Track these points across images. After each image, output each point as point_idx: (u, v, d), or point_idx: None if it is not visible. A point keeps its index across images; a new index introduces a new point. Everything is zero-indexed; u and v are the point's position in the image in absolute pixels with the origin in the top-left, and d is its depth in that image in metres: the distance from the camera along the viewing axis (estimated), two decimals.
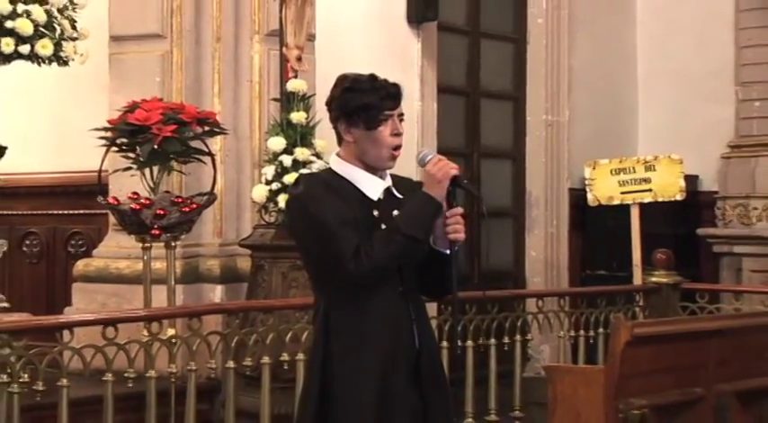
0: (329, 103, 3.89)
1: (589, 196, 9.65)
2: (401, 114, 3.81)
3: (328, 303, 3.79)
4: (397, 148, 3.78)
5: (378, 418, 3.69)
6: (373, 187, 3.79)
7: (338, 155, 3.86)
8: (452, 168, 3.71)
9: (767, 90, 10.42)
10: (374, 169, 3.82)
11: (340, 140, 3.88)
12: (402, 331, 3.76)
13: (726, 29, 10.70)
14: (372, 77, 3.82)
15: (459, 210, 3.76)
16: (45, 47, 7.32)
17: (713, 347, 6.91)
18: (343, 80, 3.87)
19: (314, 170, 6.49)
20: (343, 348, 3.72)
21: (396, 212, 3.72)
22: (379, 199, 3.79)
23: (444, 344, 6.82)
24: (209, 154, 6.65)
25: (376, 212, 3.75)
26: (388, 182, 3.85)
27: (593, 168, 9.66)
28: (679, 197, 9.51)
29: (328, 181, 3.81)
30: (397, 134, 3.77)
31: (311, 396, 3.77)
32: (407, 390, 3.75)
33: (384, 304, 3.74)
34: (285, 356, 5.91)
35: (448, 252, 3.79)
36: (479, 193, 3.75)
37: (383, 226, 3.71)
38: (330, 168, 3.89)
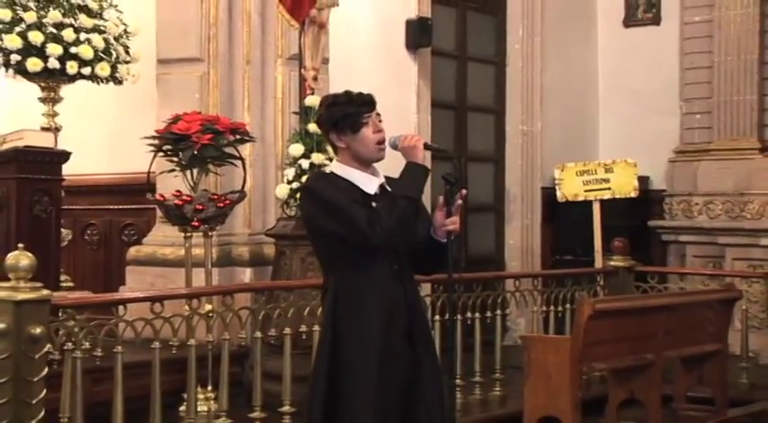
0: (318, 121, 3.96)
1: (558, 193, 9.68)
2: (378, 114, 3.83)
3: (337, 278, 3.81)
4: (381, 141, 3.81)
5: (379, 366, 3.72)
6: (369, 184, 3.80)
7: (337, 161, 3.88)
8: (419, 138, 3.80)
9: (707, 105, 10.41)
10: (368, 166, 3.83)
11: (335, 149, 3.92)
12: (397, 302, 3.78)
13: (672, 54, 10.70)
14: (348, 92, 3.85)
15: (464, 191, 3.79)
16: (103, 69, 7.35)
17: (662, 320, 6.91)
18: (325, 100, 3.93)
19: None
20: (348, 312, 3.75)
21: None
22: (376, 193, 3.79)
23: (437, 317, 6.83)
24: (240, 158, 6.63)
25: (374, 204, 3.74)
26: (382, 179, 3.85)
27: (562, 170, 9.68)
28: (633, 194, 9.54)
29: (332, 179, 3.83)
30: (379, 131, 3.80)
31: (324, 351, 3.79)
32: (403, 346, 3.77)
33: (382, 279, 3.75)
34: (303, 328, 5.90)
35: (444, 241, 3.80)
36: (445, 150, 3.96)
37: None
38: (332, 172, 3.88)
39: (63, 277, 7.13)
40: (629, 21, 11.11)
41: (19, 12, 7.13)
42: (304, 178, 6.72)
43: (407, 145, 3.77)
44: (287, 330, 5.79)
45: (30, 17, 7.09)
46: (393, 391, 3.74)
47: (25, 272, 4.68)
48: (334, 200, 3.69)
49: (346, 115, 3.76)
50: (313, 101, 6.97)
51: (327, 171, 3.93)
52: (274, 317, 5.86)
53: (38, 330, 4.66)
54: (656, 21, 10.96)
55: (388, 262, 3.76)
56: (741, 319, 8.07)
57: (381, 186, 3.81)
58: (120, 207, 8.36)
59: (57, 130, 7.48)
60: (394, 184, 3.78)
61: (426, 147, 3.80)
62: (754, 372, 7.97)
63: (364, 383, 3.70)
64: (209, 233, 6.70)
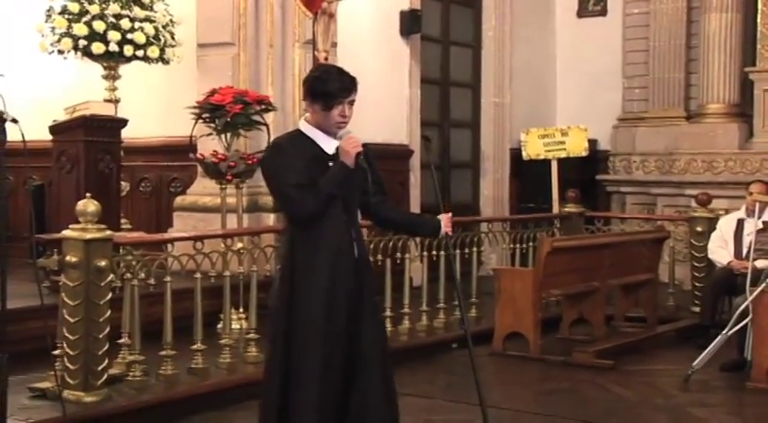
0: (304, 82, 3.64)
1: (523, 153, 9.66)
2: (352, 101, 3.55)
3: (293, 228, 3.60)
4: (340, 123, 3.53)
5: (327, 297, 3.49)
6: (329, 144, 3.55)
7: (306, 119, 3.62)
8: (358, 146, 3.49)
9: (644, 81, 10.40)
10: (328, 132, 3.57)
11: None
12: (344, 246, 3.54)
13: (616, 40, 10.65)
14: (338, 72, 3.55)
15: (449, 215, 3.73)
16: (153, 52, 7.33)
17: (606, 255, 6.94)
18: (316, 69, 3.69)
19: None
20: (303, 255, 3.52)
21: None
22: (333, 153, 3.55)
23: (425, 253, 6.84)
24: (265, 124, 6.61)
25: (330, 163, 3.53)
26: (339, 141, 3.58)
27: (527, 134, 9.66)
28: (584, 154, 9.54)
29: (295, 139, 3.60)
30: (343, 116, 3.53)
31: (284, 286, 3.55)
32: (348, 282, 3.52)
33: (332, 227, 3.50)
34: None
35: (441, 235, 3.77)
36: (368, 165, 3.50)
37: None
38: (299, 129, 3.64)
39: (122, 221, 7.13)
40: (582, 12, 11.06)
41: (85, 5, 7.17)
42: None
43: (346, 147, 3.49)
44: None
45: (94, 9, 7.13)
46: (339, 338, 3.47)
47: (92, 216, 4.71)
48: (278, 176, 3.51)
49: (325, 94, 3.49)
50: None
51: (298, 127, 3.64)
52: None
53: (103, 263, 4.70)
54: (603, 12, 10.92)
55: (336, 214, 3.51)
56: (669, 254, 8.10)
57: (338, 147, 3.54)
58: (168, 164, 8.33)
59: (116, 101, 7.48)
60: (324, 176, 3.48)
61: (357, 158, 3.48)
62: (679, 296, 8.02)
63: (314, 333, 3.45)
64: (240, 185, 6.71)
